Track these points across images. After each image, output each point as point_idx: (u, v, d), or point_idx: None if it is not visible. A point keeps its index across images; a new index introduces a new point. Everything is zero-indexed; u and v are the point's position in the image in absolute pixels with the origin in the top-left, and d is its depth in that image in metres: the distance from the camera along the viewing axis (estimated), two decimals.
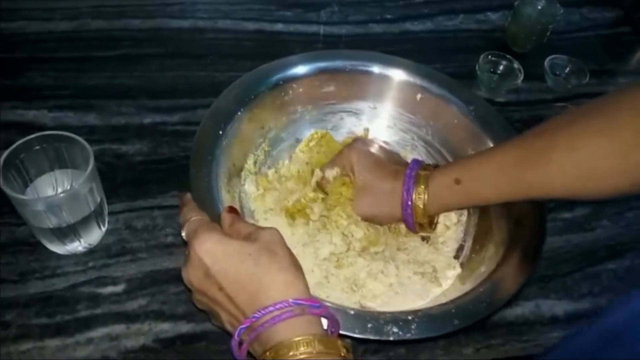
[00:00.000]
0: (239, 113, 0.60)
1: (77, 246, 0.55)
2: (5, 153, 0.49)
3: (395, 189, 0.56)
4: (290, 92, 0.65)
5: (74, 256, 0.55)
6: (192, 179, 0.54)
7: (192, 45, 0.78)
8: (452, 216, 0.62)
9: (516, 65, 0.77)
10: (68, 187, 0.51)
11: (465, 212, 0.62)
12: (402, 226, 0.60)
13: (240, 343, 0.41)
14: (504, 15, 0.88)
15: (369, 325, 0.47)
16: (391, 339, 0.47)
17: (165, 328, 0.52)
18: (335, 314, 0.43)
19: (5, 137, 0.63)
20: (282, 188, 0.63)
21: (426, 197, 0.54)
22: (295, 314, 0.39)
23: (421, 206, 0.55)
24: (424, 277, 0.57)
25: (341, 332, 0.45)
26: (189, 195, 0.50)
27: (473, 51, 0.79)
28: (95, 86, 0.70)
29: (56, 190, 0.54)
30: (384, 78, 0.67)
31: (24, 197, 0.49)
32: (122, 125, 0.66)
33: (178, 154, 0.65)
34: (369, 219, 0.59)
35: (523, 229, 0.56)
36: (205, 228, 0.44)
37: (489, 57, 0.78)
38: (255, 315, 0.39)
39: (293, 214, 0.60)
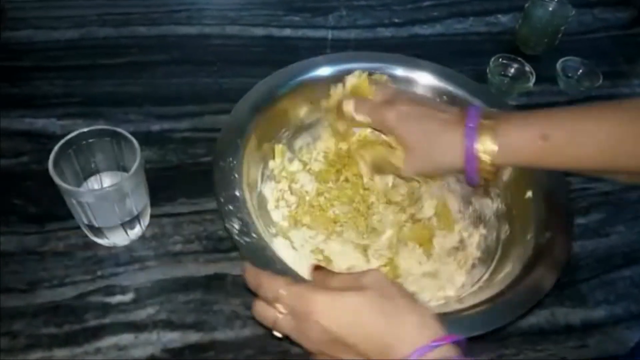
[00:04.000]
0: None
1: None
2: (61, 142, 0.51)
3: (454, 141, 0.49)
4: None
5: (83, 265, 0.55)
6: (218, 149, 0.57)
7: (199, 52, 0.77)
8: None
9: (527, 67, 0.76)
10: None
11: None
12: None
13: None
14: (515, 18, 0.87)
15: None
16: None
17: (174, 338, 0.51)
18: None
19: (14, 146, 0.63)
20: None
21: (495, 148, 0.47)
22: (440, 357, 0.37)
23: (488, 160, 0.48)
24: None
25: None
26: (251, 268, 0.44)
27: (484, 54, 0.78)
28: (103, 94, 0.70)
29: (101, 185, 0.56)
30: (410, 82, 0.67)
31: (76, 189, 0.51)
32: (130, 133, 0.65)
33: (186, 161, 0.65)
34: (423, 175, 0.56)
35: (544, 258, 0.54)
36: (309, 289, 0.40)
37: (500, 60, 0.77)
38: None
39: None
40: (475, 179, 0.50)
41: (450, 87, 0.66)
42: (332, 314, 0.38)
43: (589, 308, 0.58)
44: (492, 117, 0.49)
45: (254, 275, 0.43)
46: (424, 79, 0.66)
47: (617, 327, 0.57)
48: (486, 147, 0.47)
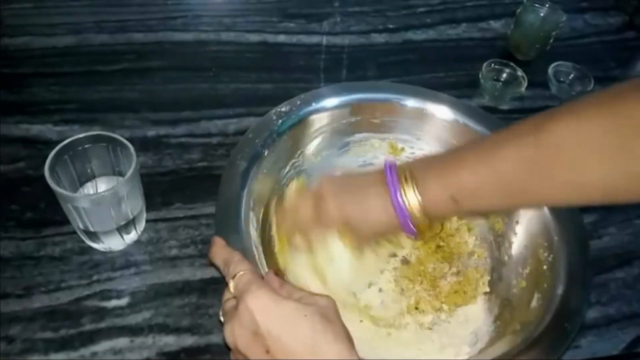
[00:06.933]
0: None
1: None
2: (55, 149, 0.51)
3: (382, 195, 0.47)
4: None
5: (79, 269, 0.55)
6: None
7: (195, 58, 0.78)
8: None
9: (520, 72, 0.77)
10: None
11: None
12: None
13: None
14: (507, 23, 0.88)
15: None
16: None
17: (169, 341, 0.52)
18: None
19: (10, 152, 0.64)
20: None
21: (419, 201, 0.46)
22: None
23: (418, 213, 0.46)
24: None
25: None
26: (222, 243, 0.47)
27: (476, 59, 0.79)
28: (99, 100, 0.71)
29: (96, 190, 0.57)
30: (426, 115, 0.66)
31: (71, 194, 0.51)
32: (126, 139, 0.66)
33: (182, 166, 0.65)
34: (369, 238, 0.51)
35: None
36: (259, 283, 0.40)
37: (493, 65, 0.78)
38: None
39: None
40: (411, 229, 0.47)
41: (466, 121, 0.65)
42: (267, 310, 0.38)
43: None
44: (410, 171, 0.47)
45: (225, 251, 0.46)
46: (439, 112, 0.66)
47: (610, 328, 0.57)
48: (412, 200, 0.46)
